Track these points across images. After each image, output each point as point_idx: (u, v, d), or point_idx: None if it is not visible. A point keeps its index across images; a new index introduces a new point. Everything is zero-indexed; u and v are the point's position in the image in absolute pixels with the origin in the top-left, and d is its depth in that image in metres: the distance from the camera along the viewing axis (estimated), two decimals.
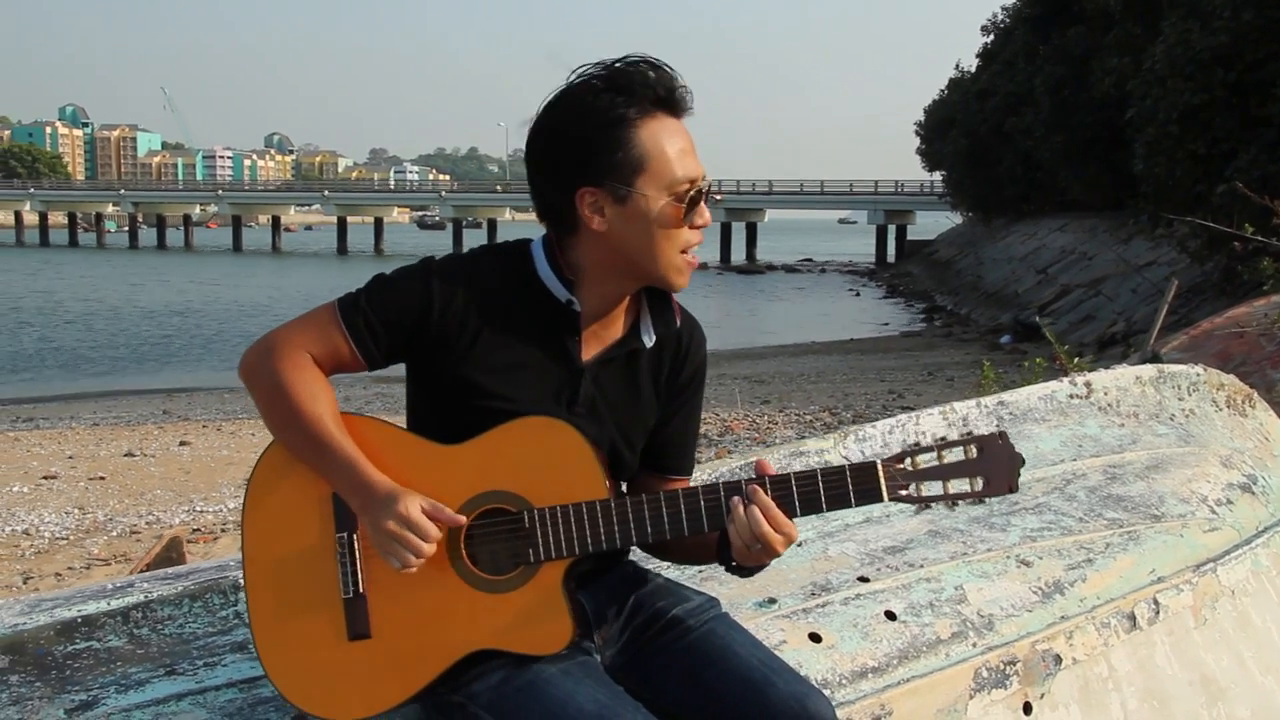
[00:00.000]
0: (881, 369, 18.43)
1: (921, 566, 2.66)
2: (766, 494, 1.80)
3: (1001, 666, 2.45)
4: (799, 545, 2.74)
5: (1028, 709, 2.48)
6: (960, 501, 1.81)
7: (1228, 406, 3.86)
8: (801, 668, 2.26)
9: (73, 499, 7.94)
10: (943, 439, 1.82)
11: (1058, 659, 2.54)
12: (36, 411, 15.14)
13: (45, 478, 8.81)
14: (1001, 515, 2.95)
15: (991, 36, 45.00)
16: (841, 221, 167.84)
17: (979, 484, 1.81)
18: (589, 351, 1.93)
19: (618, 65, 1.84)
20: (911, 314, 34.32)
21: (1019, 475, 1.82)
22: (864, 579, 2.58)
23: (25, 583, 5.66)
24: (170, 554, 4.89)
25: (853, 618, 2.44)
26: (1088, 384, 3.60)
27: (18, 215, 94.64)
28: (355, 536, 1.83)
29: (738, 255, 69.94)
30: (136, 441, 10.84)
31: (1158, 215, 18.03)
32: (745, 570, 1.92)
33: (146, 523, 6.98)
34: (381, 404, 13.72)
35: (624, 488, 2.05)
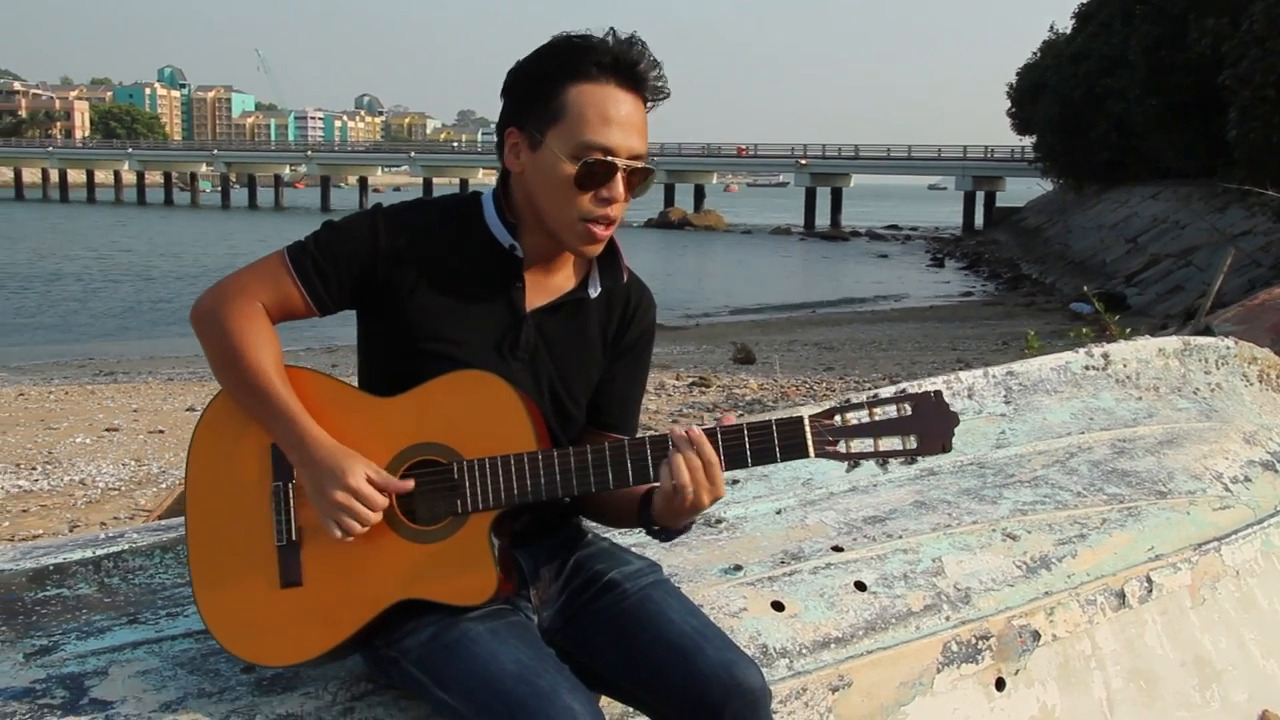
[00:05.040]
0: (955, 338, 18.12)
1: (900, 537, 2.61)
2: (696, 438, 1.78)
3: (973, 641, 2.41)
4: (777, 513, 2.71)
5: (1000, 684, 2.43)
6: (892, 460, 1.78)
7: (1259, 381, 3.72)
8: (760, 636, 2.25)
9: (131, 451, 8.16)
10: (875, 395, 1.79)
11: (1036, 635, 2.49)
12: (119, 366, 15.60)
13: (108, 429, 9.04)
14: (994, 488, 2.89)
15: None
16: (932, 188, 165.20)
17: (912, 442, 1.77)
18: (535, 300, 1.94)
19: (591, 31, 1.85)
20: (994, 282, 33.67)
21: (953, 435, 1.79)
22: (838, 548, 2.55)
23: (70, 530, 5.86)
24: (181, 505, 4.96)
25: (820, 587, 2.41)
26: (1105, 355, 3.50)
27: (117, 175, 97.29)
28: (291, 486, 1.86)
29: (822, 221, 69.07)
30: (203, 396, 11.06)
31: (1246, 186, 17.38)
32: (666, 533, 1.89)
33: None
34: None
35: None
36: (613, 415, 2.04)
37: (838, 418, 1.77)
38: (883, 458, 1.78)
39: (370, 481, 1.80)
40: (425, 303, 1.88)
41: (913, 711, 2.30)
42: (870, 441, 1.77)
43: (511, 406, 1.83)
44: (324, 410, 1.86)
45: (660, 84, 1.88)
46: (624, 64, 1.83)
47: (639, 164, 1.86)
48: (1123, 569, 2.69)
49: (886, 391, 1.82)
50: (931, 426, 1.77)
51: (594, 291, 1.97)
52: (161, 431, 8.92)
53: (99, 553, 2.41)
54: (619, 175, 1.83)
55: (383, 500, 1.80)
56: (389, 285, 1.88)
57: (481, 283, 1.91)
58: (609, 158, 1.82)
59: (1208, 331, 5.36)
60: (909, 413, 1.78)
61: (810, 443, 1.76)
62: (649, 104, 1.88)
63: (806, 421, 1.77)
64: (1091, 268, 29.50)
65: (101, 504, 6.55)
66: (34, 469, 7.64)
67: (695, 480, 1.75)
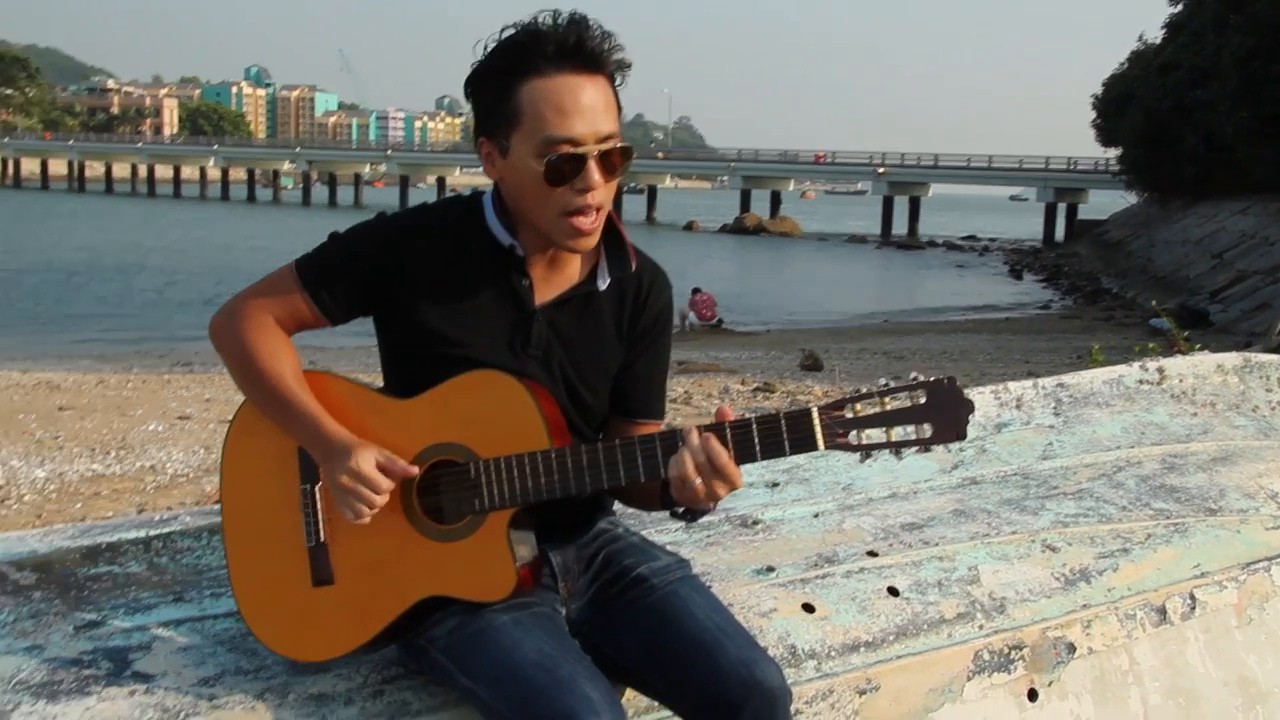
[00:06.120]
0: (1029, 351, 17.84)
1: (937, 545, 2.60)
2: (700, 437, 1.78)
3: (1006, 650, 2.39)
4: (815, 517, 2.71)
5: (1033, 695, 2.42)
6: (906, 450, 1.75)
7: None
8: (788, 637, 2.26)
9: (201, 439, 8.40)
10: (886, 384, 1.77)
11: (1071, 647, 2.46)
12: (195, 357, 15.97)
13: (180, 418, 9.32)
14: (1036, 499, 2.87)
15: (1179, 6, 42.66)
16: (1013, 199, 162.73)
17: (926, 431, 1.73)
18: (544, 295, 1.96)
19: (533, 19, 1.82)
20: (1074, 295, 33.06)
21: (968, 422, 1.75)
22: (873, 553, 2.55)
23: (138, 514, 6.05)
24: None
25: (852, 591, 2.41)
26: (1160, 370, 3.44)
27: (202, 171, 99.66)
28: (318, 488, 1.92)
29: (899, 230, 68.35)
30: None
31: None
32: (690, 514, 1.91)
33: None
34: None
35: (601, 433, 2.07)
36: (637, 401, 2.06)
37: (848, 409, 1.75)
38: (896, 447, 1.76)
39: (380, 467, 1.84)
40: (434, 306, 1.91)
41: (941, 718, 2.30)
42: (882, 431, 1.74)
43: (523, 404, 1.85)
44: (344, 413, 1.92)
45: (616, 54, 1.83)
46: (568, 49, 1.79)
47: (611, 145, 1.82)
48: (1165, 585, 2.65)
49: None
50: (945, 414, 1.74)
51: (603, 283, 1.97)
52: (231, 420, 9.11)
53: (150, 533, 2.50)
54: (590, 163, 1.81)
55: (387, 484, 1.84)
56: (397, 291, 1.92)
57: (488, 282, 1.93)
58: (575, 149, 1.79)
59: (1279, 349, 5.23)
60: (922, 400, 1.74)
61: (820, 435, 1.75)
62: (614, 78, 1.85)
63: (815, 414, 1.75)
64: (1175, 283, 28.89)
65: (170, 489, 6.75)
66: (108, 454, 7.89)
67: (702, 474, 1.76)
